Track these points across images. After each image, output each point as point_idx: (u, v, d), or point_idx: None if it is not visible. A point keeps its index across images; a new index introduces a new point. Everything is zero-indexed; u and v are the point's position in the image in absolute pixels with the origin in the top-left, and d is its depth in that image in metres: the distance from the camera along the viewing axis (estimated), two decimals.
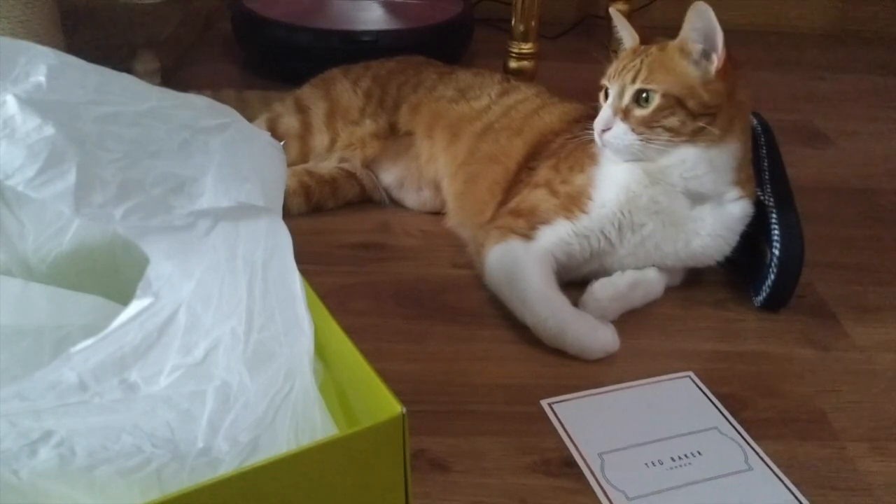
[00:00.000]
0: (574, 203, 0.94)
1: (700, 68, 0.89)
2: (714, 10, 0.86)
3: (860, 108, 1.57)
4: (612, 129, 0.90)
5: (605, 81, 0.94)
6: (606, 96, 0.93)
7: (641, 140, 0.89)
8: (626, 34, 0.98)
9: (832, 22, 1.93)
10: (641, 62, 0.91)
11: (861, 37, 1.93)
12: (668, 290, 0.98)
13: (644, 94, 0.89)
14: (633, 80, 0.90)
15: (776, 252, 0.93)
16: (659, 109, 0.89)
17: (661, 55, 0.91)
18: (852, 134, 1.45)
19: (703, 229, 0.93)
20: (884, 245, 1.12)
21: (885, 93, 1.64)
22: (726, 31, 0.87)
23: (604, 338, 0.87)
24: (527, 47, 1.39)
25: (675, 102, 0.88)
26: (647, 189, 0.91)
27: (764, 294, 0.95)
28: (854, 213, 1.20)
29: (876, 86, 1.67)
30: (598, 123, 0.91)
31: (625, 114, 0.90)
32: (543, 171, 0.98)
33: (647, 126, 0.89)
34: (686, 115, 0.88)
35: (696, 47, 0.89)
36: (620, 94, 0.91)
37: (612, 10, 1.01)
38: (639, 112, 0.89)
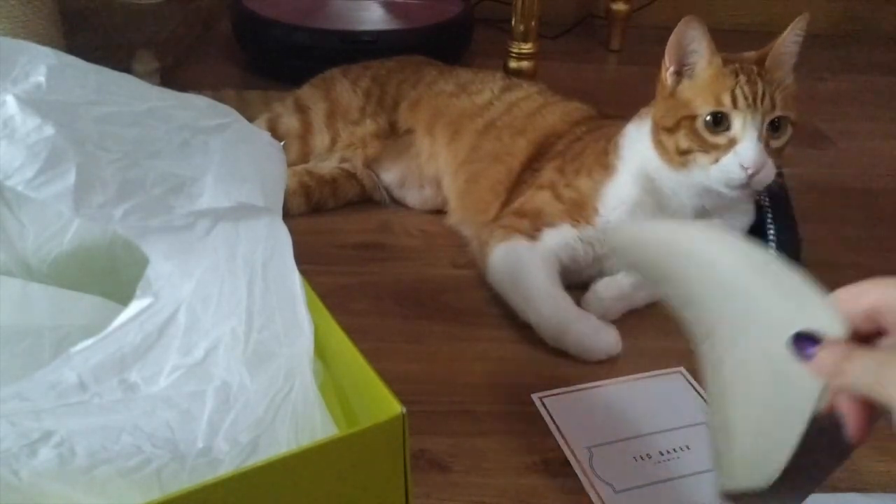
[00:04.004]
0: (579, 211, 0.93)
1: (792, 82, 0.86)
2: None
3: (860, 108, 1.57)
4: (765, 168, 0.83)
5: (718, 109, 0.84)
6: (712, 125, 0.84)
7: (774, 173, 0.84)
8: (704, 49, 0.86)
9: (832, 22, 1.93)
10: (763, 85, 0.83)
11: (861, 37, 1.93)
12: None
13: (777, 122, 0.84)
14: (773, 107, 0.83)
15: (772, 252, 0.93)
16: (790, 137, 0.85)
17: (772, 76, 0.85)
18: (852, 134, 1.45)
19: None
20: (884, 245, 1.12)
21: (885, 93, 1.64)
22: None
23: (606, 339, 0.87)
24: (527, 47, 1.39)
25: (794, 125, 0.85)
26: (656, 211, 0.90)
27: None
28: (854, 213, 1.20)
29: (876, 86, 1.67)
30: (754, 163, 0.82)
31: (766, 147, 0.84)
32: (548, 173, 0.98)
33: (778, 156, 0.85)
34: None
35: (790, 62, 0.86)
36: (762, 126, 0.83)
37: (692, 21, 0.85)
38: (775, 143, 0.85)
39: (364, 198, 1.15)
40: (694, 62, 0.87)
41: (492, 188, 1.03)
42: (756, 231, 0.95)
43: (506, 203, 1.01)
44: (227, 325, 0.47)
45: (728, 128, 0.84)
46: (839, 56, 1.81)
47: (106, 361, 0.45)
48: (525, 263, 0.91)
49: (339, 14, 1.57)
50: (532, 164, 1.01)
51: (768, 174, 0.84)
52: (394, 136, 1.14)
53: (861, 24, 1.94)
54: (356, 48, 1.43)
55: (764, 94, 0.83)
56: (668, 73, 0.89)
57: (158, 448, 0.44)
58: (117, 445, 0.44)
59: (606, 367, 0.86)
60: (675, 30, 0.86)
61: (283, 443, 0.46)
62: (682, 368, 0.86)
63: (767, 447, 0.48)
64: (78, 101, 0.51)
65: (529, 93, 1.12)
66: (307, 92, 1.19)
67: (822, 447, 0.48)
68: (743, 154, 0.83)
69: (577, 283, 0.95)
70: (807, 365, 0.45)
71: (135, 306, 0.47)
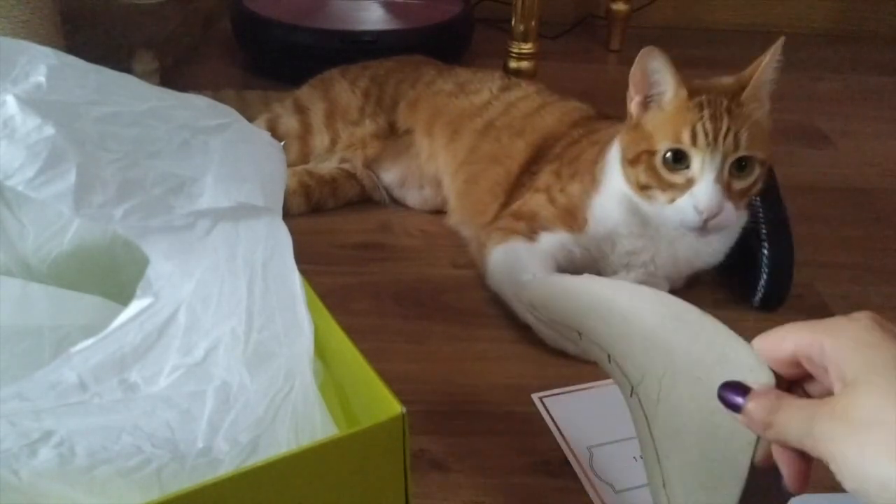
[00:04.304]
0: (571, 217, 0.93)
1: (766, 114, 0.82)
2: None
3: (860, 108, 1.57)
4: (723, 213, 0.79)
5: (676, 145, 0.80)
6: (670, 162, 0.81)
7: (738, 215, 0.81)
8: (669, 80, 0.82)
9: (832, 22, 1.93)
10: (729, 122, 0.79)
11: (861, 37, 1.93)
12: (669, 290, 0.98)
13: (743, 163, 0.80)
14: (736, 147, 0.79)
15: (765, 251, 0.93)
16: (758, 178, 0.81)
17: (743, 111, 0.80)
18: (852, 134, 1.45)
19: (706, 250, 0.92)
20: (884, 245, 1.12)
21: (885, 93, 1.64)
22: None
23: None
24: (527, 47, 1.39)
25: (764, 164, 0.82)
26: (642, 228, 0.90)
27: (760, 293, 0.95)
28: (854, 213, 1.19)
29: (876, 86, 1.67)
30: (708, 208, 0.78)
31: (727, 189, 0.80)
32: (544, 176, 0.98)
33: (743, 198, 0.82)
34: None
35: (768, 90, 0.82)
36: (722, 168, 0.79)
37: (653, 52, 0.81)
38: (739, 184, 0.81)
39: (364, 198, 1.15)
40: (659, 92, 0.83)
41: (490, 190, 1.03)
42: (750, 230, 0.95)
43: (504, 205, 1.00)
44: (227, 325, 0.47)
45: (687, 166, 0.80)
46: (839, 56, 1.81)
47: (106, 361, 0.45)
48: (523, 264, 0.91)
49: (339, 14, 1.57)
50: (530, 166, 1.01)
51: (727, 218, 0.80)
52: (393, 136, 1.14)
53: (861, 24, 1.94)
54: (356, 48, 1.43)
55: (728, 133, 0.79)
56: (633, 104, 0.86)
57: (158, 448, 0.44)
58: (117, 445, 0.44)
59: None
60: (637, 60, 0.83)
61: (283, 443, 0.46)
62: None
63: (709, 502, 0.48)
64: (78, 101, 0.51)
65: (528, 93, 1.12)
66: (306, 93, 1.19)
67: (764, 498, 0.47)
68: (698, 196, 0.79)
69: None
70: (738, 417, 0.45)
71: (135, 306, 0.47)
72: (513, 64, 1.40)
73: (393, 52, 1.26)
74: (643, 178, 0.84)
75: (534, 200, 0.96)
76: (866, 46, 1.88)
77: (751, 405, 0.44)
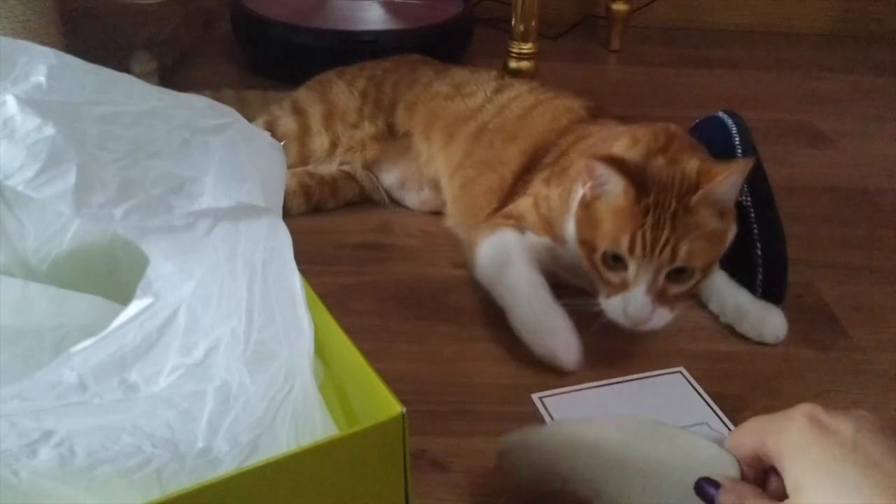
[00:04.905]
0: (552, 230, 0.92)
1: (722, 218, 0.81)
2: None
3: (860, 108, 1.57)
4: (652, 320, 0.80)
5: (614, 250, 0.80)
6: (610, 262, 0.81)
7: (673, 314, 0.82)
8: (617, 183, 0.79)
9: (832, 22, 1.93)
10: (670, 232, 0.77)
11: (861, 37, 1.93)
12: None
13: (680, 270, 0.79)
14: (672, 259, 0.78)
15: (759, 252, 0.93)
16: (696, 282, 0.81)
17: (690, 220, 0.78)
18: (852, 134, 1.45)
19: None
20: (884, 245, 1.12)
21: (885, 93, 1.64)
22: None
23: (566, 354, 0.84)
24: (527, 47, 1.39)
25: (707, 267, 0.82)
26: None
27: (758, 293, 0.95)
28: (854, 213, 1.20)
29: (876, 86, 1.67)
30: (634, 316, 0.80)
31: (661, 296, 0.80)
32: (535, 185, 0.98)
33: (679, 300, 0.82)
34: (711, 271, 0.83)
35: (726, 204, 0.81)
36: (656, 277, 0.79)
37: (593, 166, 0.80)
38: (675, 289, 0.81)
39: (364, 198, 1.15)
40: (609, 189, 0.81)
41: (484, 195, 1.03)
42: (744, 231, 0.95)
43: (497, 210, 1.01)
44: (227, 325, 0.47)
45: (625, 267, 0.80)
46: (839, 56, 1.81)
47: (106, 361, 0.45)
48: (510, 254, 0.90)
49: (338, 14, 1.57)
50: (524, 175, 1.01)
51: (658, 322, 0.81)
52: (392, 138, 1.14)
53: (861, 24, 1.94)
54: (356, 48, 1.43)
55: (666, 244, 0.77)
56: (586, 186, 0.84)
57: (158, 448, 0.44)
58: (117, 445, 0.44)
59: (605, 367, 0.86)
60: (584, 165, 0.82)
61: (283, 443, 0.46)
62: (682, 368, 0.86)
63: None
64: (78, 101, 0.51)
65: (520, 92, 1.11)
66: (303, 94, 1.18)
67: None
68: (628, 303, 0.80)
69: (575, 285, 0.94)
70: None
71: (135, 306, 0.47)
72: (513, 64, 1.40)
73: (393, 52, 1.26)
74: (586, 263, 0.85)
75: (523, 204, 0.96)
76: (866, 46, 1.88)
77: (722, 498, 0.51)
